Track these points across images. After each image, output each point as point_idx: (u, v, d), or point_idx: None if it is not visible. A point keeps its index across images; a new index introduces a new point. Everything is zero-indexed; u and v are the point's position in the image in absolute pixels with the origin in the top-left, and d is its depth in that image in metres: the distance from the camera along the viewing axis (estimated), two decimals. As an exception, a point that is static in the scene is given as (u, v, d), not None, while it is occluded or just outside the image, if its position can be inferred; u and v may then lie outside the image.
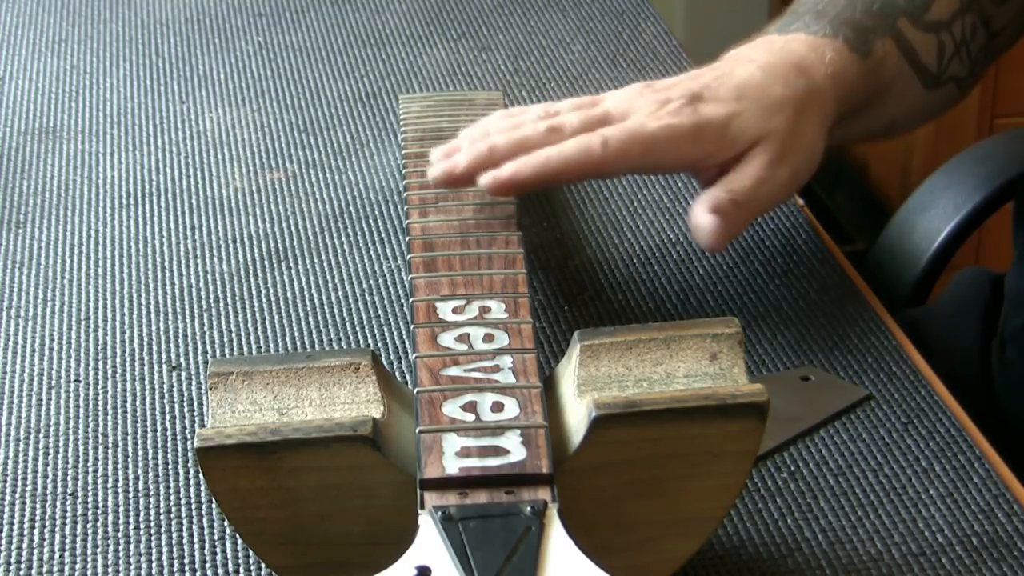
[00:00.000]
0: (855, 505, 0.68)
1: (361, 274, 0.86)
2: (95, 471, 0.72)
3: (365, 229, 0.90)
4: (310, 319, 0.82)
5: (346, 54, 1.11)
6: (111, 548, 0.67)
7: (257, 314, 0.83)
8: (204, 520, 0.69)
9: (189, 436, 0.74)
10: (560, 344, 0.79)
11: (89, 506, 0.70)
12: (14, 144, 1.01)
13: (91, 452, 0.73)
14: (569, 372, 0.61)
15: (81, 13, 1.20)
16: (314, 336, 0.81)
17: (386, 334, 0.81)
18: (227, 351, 0.80)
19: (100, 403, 0.76)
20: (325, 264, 0.87)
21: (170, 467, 0.72)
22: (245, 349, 0.80)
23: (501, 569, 0.51)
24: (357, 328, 0.81)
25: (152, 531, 0.68)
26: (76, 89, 1.08)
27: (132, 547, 0.67)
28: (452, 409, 0.58)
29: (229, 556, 0.67)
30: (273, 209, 0.92)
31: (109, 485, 0.71)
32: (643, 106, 0.77)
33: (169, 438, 0.74)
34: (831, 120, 0.80)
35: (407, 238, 0.73)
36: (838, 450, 0.72)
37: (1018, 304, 0.99)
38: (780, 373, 0.77)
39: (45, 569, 0.66)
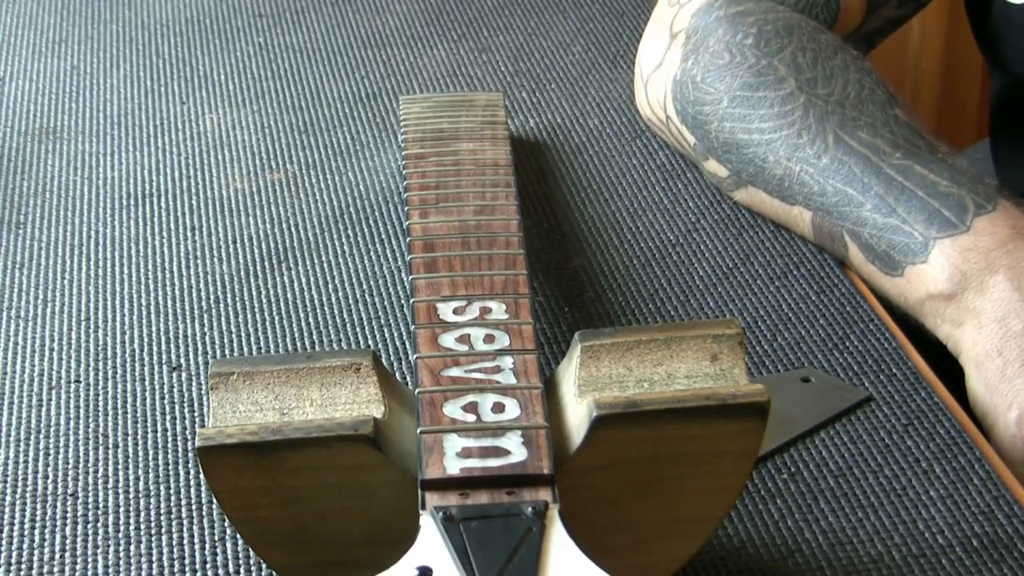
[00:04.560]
0: (855, 507, 0.68)
1: (362, 275, 0.86)
2: (95, 472, 0.72)
3: (365, 230, 0.90)
4: (311, 320, 0.82)
5: (346, 55, 1.11)
6: (112, 549, 0.67)
7: (257, 315, 0.83)
8: (205, 520, 0.69)
9: (189, 437, 0.74)
10: (561, 345, 0.79)
11: (90, 507, 0.70)
12: (14, 145, 1.01)
13: (91, 453, 0.73)
14: (570, 373, 0.61)
15: (81, 13, 1.20)
16: (315, 337, 0.81)
17: (387, 335, 0.81)
18: (227, 352, 0.80)
19: (100, 404, 0.76)
20: (325, 265, 0.87)
21: (171, 468, 0.72)
22: (245, 350, 0.80)
23: (502, 570, 0.51)
24: (358, 329, 0.81)
25: (153, 532, 0.68)
26: (76, 90, 1.08)
27: (133, 548, 0.67)
28: (453, 410, 0.58)
29: (230, 556, 0.67)
30: (273, 210, 0.92)
31: (109, 486, 0.71)
32: None
33: (169, 439, 0.74)
34: None
35: (408, 239, 0.73)
36: (838, 451, 0.72)
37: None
38: (780, 374, 0.77)
39: (46, 570, 0.66)
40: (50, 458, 0.73)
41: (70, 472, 0.72)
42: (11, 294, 0.86)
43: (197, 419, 0.75)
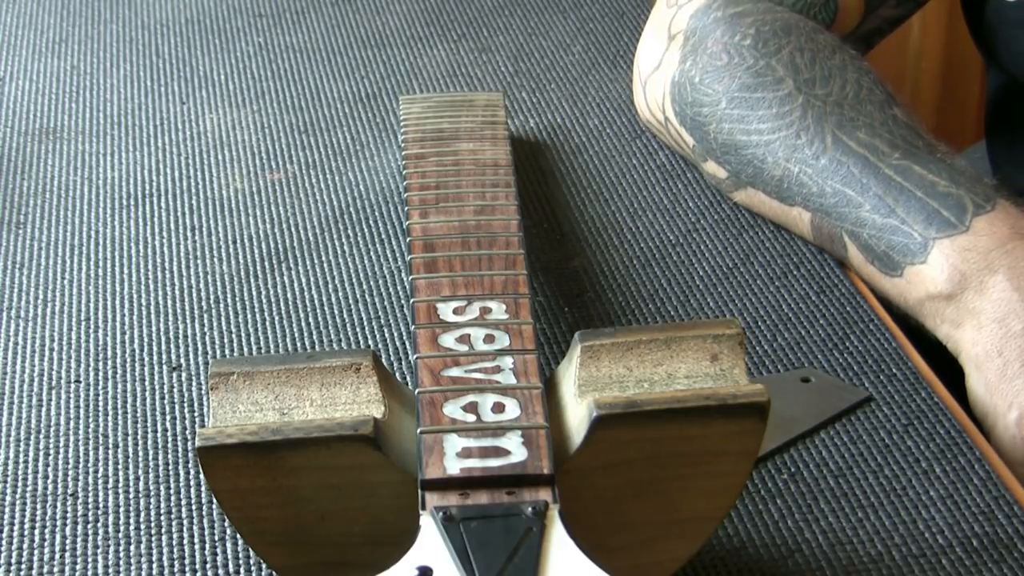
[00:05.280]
0: (855, 507, 0.68)
1: (361, 275, 0.86)
2: (95, 472, 0.72)
3: (365, 230, 0.90)
4: (310, 320, 0.82)
5: (346, 55, 1.11)
6: (112, 549, 0.67)
7: (257, 315, 0.83)
8: (205, 521, 0.69)
9: (189, 437, 0.74)
10: (561, 345, 0.79)
11: (90, 507, 0.70)
12: (15, 145, 1.01)
13: (91, 453, 0.73)
14: (570, 373, 0.61)
15: (81, 13, 1.20)
16: (314, 337, 0.81)
17: (386, 335, 0.81)
18: (227, 352, 0.80)
19: (100, 404, 0.76)
20: (325, 265, 0.87)
21: (171, 468, 0.72)
22: (245, 350, 0.80)
23: (502, 570, 0.51)
24: (358, 329, 0.81)
25: (153, 532, 0.68)
26: (76, 90, 1.08)
27: (133, 548, 0.67)
28: (453, 410, 0.58)
29: (230, 556, 0.67)
30: (273, 210, 0.92)
31: (109, 486, 0.71)
32: None
33: (169, 439, 0.74)
34: None
35: (408, 239, 0.73)
36: (838, 451, 0.72)
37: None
38: (780, 374, 0.77)
39: (46, 570, 0.66)
40: (50, 458, 0.73)
41: (70, 472, 0.72)
42: (11, 294, 0.86)
43: (197, 419, 0.75)
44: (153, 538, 0.68)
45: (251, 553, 0.66)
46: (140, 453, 0.73)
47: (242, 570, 0.66)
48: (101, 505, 0.70)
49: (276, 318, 0.83)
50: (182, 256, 0.88)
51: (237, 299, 0.84)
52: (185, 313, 0.83)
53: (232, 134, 1.01)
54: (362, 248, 0.88)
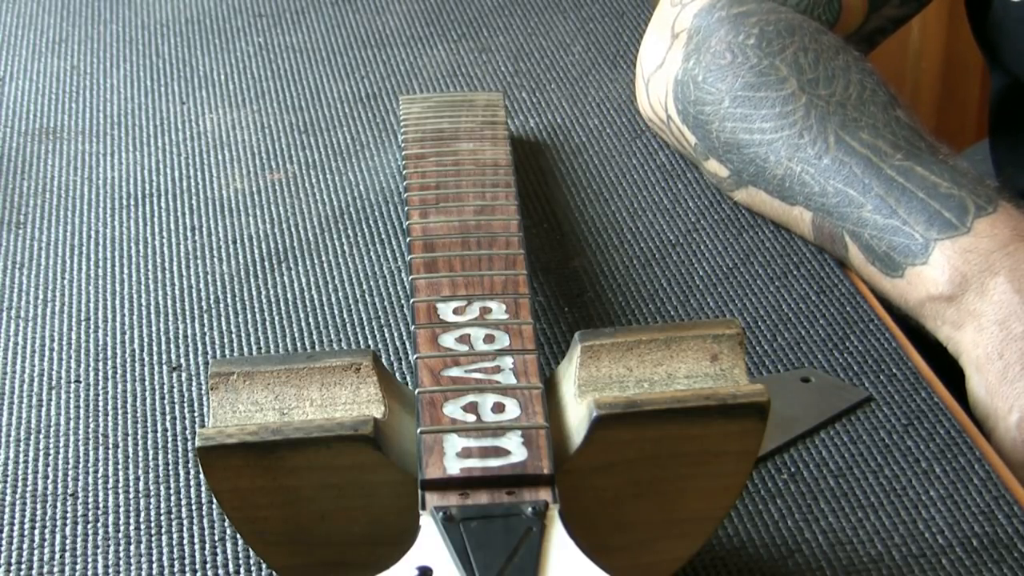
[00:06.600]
0: (855, 507, 0.68)
1: (361, 275, 0.86)
2: (95, 472, 0.72)
3: (365, 230, 0.90)
4: (310, 320, 0.82)
5: (346, 55, 1.11)
6: (112, 549, 0.67)
7: (257, 315, 0.83)
8: (205, 521, 0.69)
9: (189, 437, 0.74)
10: (561, 345, 0.79)
11: (90, 507, 0.70)
12: (14, 145, 1.01)
13: (91, 453, 0.73)
14: (570, 373, 0.61)
15: (81, 13, 1.20)
16: (314, 337, 0.81)
17: (386, 335, 0.81)
18: (227, 352, 0.80)
19: (100, 404, 0.76)
20: (325, 265, 0.87)
21: (171, 468, 0.72)
22: (245, 350, 0.80)
23: (502, 569, 0.51)
24: (358, 329, 0.81)
25: (153, 532, 0.68)
26: (76, 90, 1.08)
27: (133, 548, 0.67)
28: (453, 410, 0.58)
29: (230, 556, 0.67)
30: (273, 210, 0.92)
31: (109, 486, 0.71)
32: None
33: (169, 439, 0.74)
34: None
35: (408, 239, 0.73)
36: (838, 451, 0.72)
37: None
38: (780, 374, 0.77)
39: (46, 570, 0.66)
40: (50, 458, 0.73)
41: (70, 472, 0.72)
42: (11, 294, 0.86)
43: (197, 419, 0.75)
44: (153, 538, 0.68)
45: (251, 553, 0.66)
46: (140, 453, 0.73)
47: (242, 570, 0.66)
48: (101, 505, 0.70)
49: (276, 318, 0.83)
50: (182, 256, 0.88)
51: (237, 299, 0.84)
52: (185, 313, 0.83)
53: (232, 134, 1.01)
54: (362, 248, 0.88)
